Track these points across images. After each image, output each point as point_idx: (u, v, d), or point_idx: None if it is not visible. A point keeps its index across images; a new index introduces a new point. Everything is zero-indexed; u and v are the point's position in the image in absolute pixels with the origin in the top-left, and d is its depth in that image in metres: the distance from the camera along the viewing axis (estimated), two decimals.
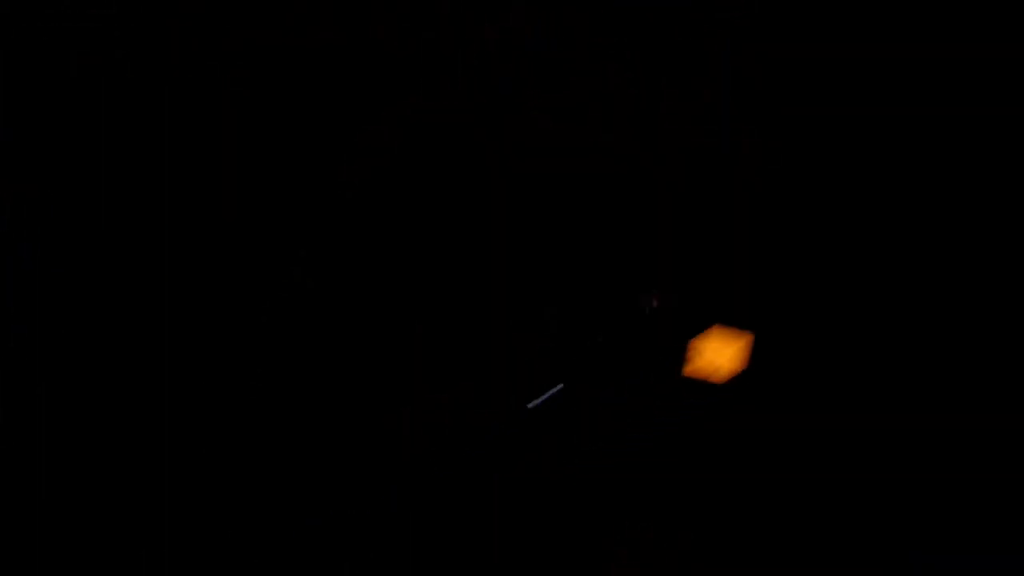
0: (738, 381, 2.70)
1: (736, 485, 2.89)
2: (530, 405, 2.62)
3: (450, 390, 2.98)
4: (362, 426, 2.91)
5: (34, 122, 3.26)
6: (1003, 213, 3.18)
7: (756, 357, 3.04)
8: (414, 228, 3.30)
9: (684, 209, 3.18)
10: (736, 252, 3.16)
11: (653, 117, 3.54)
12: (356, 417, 2.92)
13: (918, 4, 3.27)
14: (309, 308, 3.12)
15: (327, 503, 2.78)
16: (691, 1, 3.56)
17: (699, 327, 2.65)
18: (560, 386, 2.70)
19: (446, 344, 3.06)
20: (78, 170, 3.24)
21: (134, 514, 2.70)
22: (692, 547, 2.83)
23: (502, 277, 3.19)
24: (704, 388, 2.67)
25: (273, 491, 2.80)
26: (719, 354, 2.55)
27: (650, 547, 2.82)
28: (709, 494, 2.89)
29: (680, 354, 2.54)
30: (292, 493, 2.80)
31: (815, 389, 3.00)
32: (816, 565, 2.80)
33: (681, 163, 3.41)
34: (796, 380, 3.02)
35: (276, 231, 3.27)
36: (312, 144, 3.42)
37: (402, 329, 3.09)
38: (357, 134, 3.46)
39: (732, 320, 3.04)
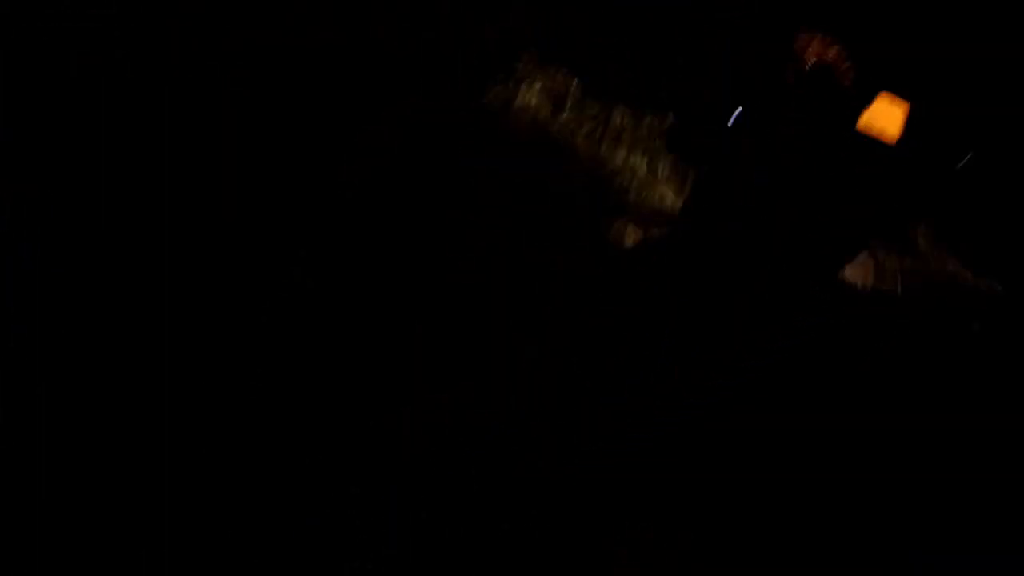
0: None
1: (736, 485, 2.89)
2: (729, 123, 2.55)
3: (450, 390, 2.98)
4: (362, 426, 2.91)
5: (34, 122, 3.26)
6: (1002, 214, 3.19)
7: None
8: (414, 228, 3.29)
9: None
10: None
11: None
12: (356, 417, 2.93)
13: (918, 4, 3.27)
14: (309, 308, 3.12)
15: (327, 503, 2.78)
16: (691, 1, 3.55)
17: None
18: (740, 110, 2.63)
19: (446, 344, 3.06)
20: (78, 170, 3.23)
21: (134, 514, 2.70)
22: (692, 547, 2.83)
23: (503, 277, 3.19)
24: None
25: (273, 491, 2.80)
26: (891, 113, 2.63)
27: (650, 547, 2.82)
28: (709, 494, 2.88)
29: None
30: (292, 493, 2.80)
31: (814, 389, 3.00)
32: (816, 565, 2.80)
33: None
34: (796, 380, 3.02)
35: (276, 231, 3.26)
36: (312, 144, 3.42)
37: (402, 329, 3.09)
38: (357, 134, 3.45)
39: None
